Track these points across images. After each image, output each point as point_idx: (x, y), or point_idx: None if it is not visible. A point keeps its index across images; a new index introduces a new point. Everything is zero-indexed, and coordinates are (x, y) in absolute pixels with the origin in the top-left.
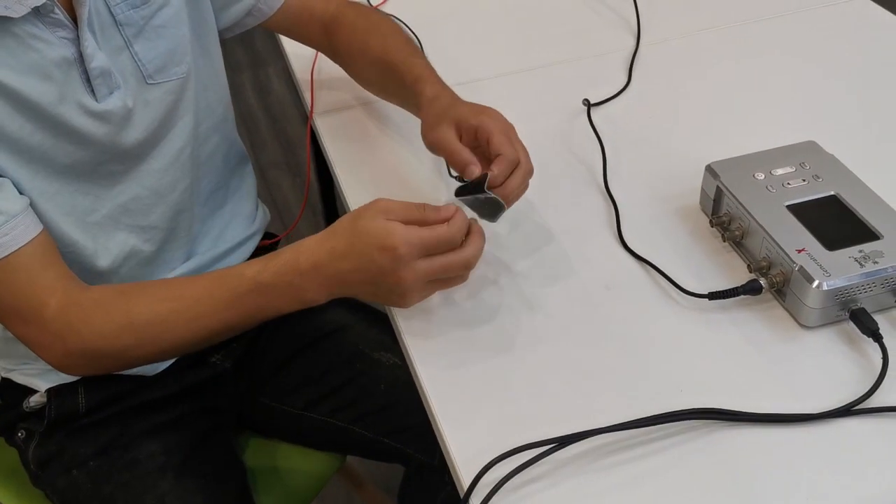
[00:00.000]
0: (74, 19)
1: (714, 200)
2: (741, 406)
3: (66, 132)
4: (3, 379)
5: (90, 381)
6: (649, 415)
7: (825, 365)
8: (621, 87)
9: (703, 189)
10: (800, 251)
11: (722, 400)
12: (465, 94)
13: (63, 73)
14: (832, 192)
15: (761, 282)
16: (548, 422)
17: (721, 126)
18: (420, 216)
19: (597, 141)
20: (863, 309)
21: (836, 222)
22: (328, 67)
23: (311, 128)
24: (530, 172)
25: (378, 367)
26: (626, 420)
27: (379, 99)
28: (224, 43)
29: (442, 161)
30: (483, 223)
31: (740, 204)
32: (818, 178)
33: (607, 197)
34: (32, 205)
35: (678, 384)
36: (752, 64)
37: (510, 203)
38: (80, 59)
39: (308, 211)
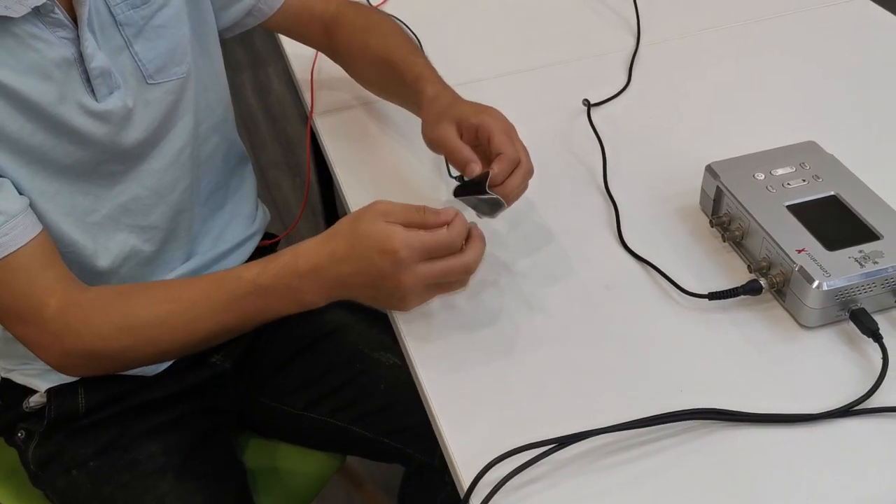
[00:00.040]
0: (74, 19)
1: (714, 200)
2: (741, 406)
3: (66, 132)
4: (3, 379)
5: (90, 381)
6: (649, 415)
7: (825, 365)
8: (621, 88)
9: (703, 189)
10: (800, 251)
11: (722, 400)
12: (465, 94)
13: (63, 73)
14: (832, 193)
15: (761, 282)
16: (548, 422)
17: (721, 126)
18: (420, 219)
19: (597, 141)
20: (863, 309)
21: (836, 222)
22: (328, 67)
23: (311, 128)
24: (530, 172)
25: (378, 367)
26: (626, 420)
27: (379, 99)
28: (224, 43)
29: (442, 161)
30: (482, 223)
31: (740, 204)
32: (818, 178)
33: (607, 197)
34: (32, 205)
35: (678, 384)
36: (752, 64)
37: (510, 203)
38: (80, 59)
39: (308, 211)
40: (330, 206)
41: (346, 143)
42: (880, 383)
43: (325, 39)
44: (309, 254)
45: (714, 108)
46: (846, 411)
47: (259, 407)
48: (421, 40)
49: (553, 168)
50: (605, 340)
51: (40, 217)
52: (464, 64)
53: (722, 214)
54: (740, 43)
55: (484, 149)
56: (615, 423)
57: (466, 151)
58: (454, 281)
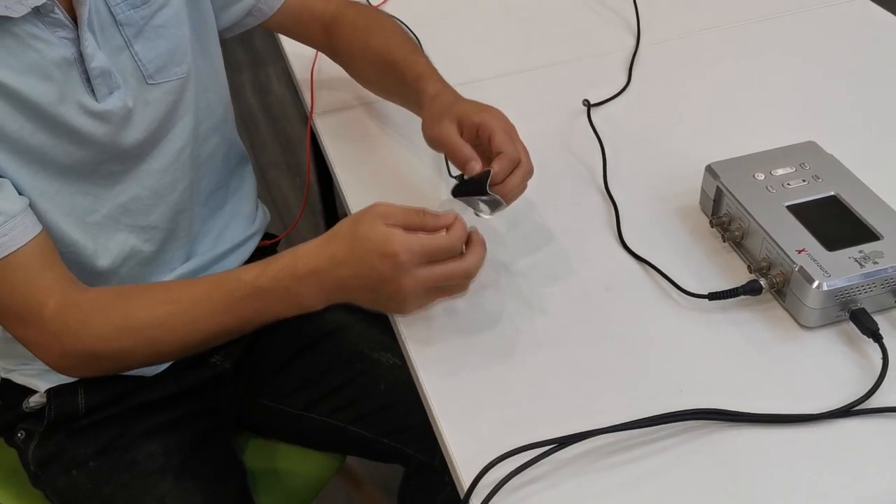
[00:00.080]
0: (74, 19)
1: (714, 201)
2: (741, 406)
3: (66, 132)
4: (3, 379)
5: (90, 381)
6: (649, 415)
7: (825, 365)
8: (621, 88)
9: (702, 189)
10: (800, 251)
11: (722, 400)
12: (465, 94)
13: (63, 73)
14: (832, 193)
15: (761, 282)
16: (548, 422)
17: (721, 126)
18: (420, 221)
19: (597, 141)
20: (863, 309)
21: (836, 223)
22: (328, 67)
23: (311, 128)
24: (530, 172)
25: (378, 367)
26: (626, 420)
27: (379, 99)
28: (224, 43)
29: (442, 161)
30: (482, 223)
31: (740, 204)
32: (818, 178)
33: (607, 197)
34: (32, 205)
35: (678, 384)
36: (752, 64)
37: (508, 203)
38: (81, 59)
39: (308, 211)
40: (330, 206)
41: (346, 143)
42: (880, 383)
43: (325, 39)
44: (308, 256)
45: (714, 109)
46: (846, 411)
47: (259, 407)
48: (421, 40)
49: (553, 168)
50: (605, 340)
51: (40, 217)
52: (464, 64)
53: (722, 215)
54: (740, 43)
55: (484, 148)
56: (615, 424)
57: (467, 149)
58: (454, 286)
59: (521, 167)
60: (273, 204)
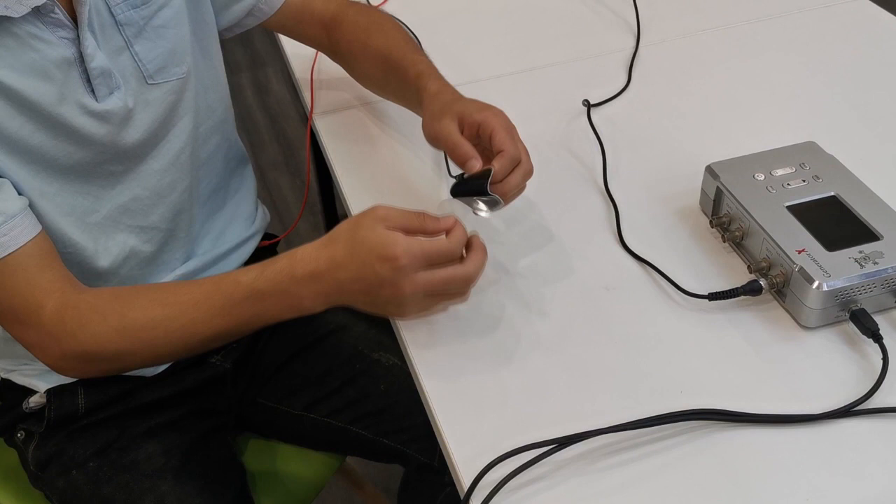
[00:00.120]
0: (75, 19)
1: (714, 201)
2: (741, 407)
3: (66, 132)
4: (3, 380)
5: (90, 382)
6: (649, 415)
7: (825, 366)
8: (621, 88)
9: (702, 190)
10: (800, 252)
11: (722, 400)
12: (466, 94)
13: (63, 73)
14: (832, 193)
15: (761, 282)
16: (548, 422)
17: (721, 126)
18: (420, 225)
19: (597, 141)
20: (863, 310)
21: (835, 223)
22: (328, 67)
23: (311, 128)
24: (530, 172)
25: (377, 367)
26: (626, 421)
27: (379, 99)
28: (224, 43)
29: (442, 161)
30: (482, 224)
31: (740, 204)
32: (818, 178)
33: (607, 197)
34: (32, 205)
35: (678, 385)
36: (751, 64)
37: (507, 202)
38: (81, 59)
39: (307, 211)
40: (330, 206)
41: (346, 143)
42: (880, 384)
43: (325, 39)
44: (307, 259)
45: (714, 109)
46: (846, 412)
47: (258, 407)
48: (421, 40)
49: (553, 168)
50: (604, 341)
51: (40, 217)
52: (464, 64)
53: (722, 215)
54: (740, 43)
55: (484, 147)
56: (615, 424)
57: (468, 147)
58: (454, 291)
59: (521, 166)
60: (273, 204)
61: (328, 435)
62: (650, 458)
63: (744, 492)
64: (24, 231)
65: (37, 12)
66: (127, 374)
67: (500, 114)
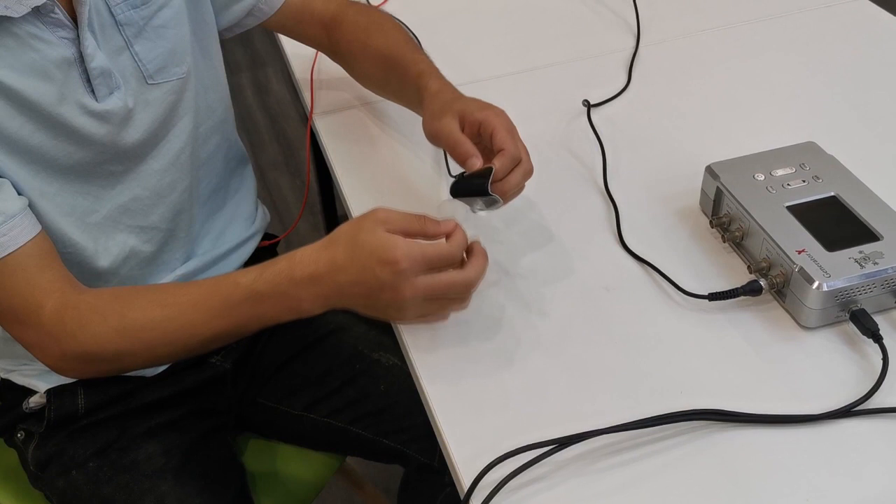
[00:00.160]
0: (75, 19)
1: (714, 201)
2: (741, 407)
3: (66, 132)
4: (3, 380)
5: (90, 382)
6: (649, 416)
7: (825, 366)
8: (621, 88)
9: (702, 190)
10: (800, 252)
11: (722, 401)
12: (466, 94)
13: (63, 73)
14: (832, 193)
15: (761, 282)
16: (548, 423)
17: (721, 127)
18: (420, 228)
19: (597, 142)
20: (863, 310)
21: (835, 223)
22: (328, 67)
23: (311, 128)
24: (530, 172)
25: (377, 367)
26: (626, 421)
27: (379, 99)
28: (224, 43)
29: (442, 161)
30: (481, 226)
31: (740, 205)
32: (818, 178)
33: (607, 197)
34: (32, 205)
35: (678, 385)
36: (751, 64)
37: (506, 201)
38: (81, 59)
39: (307, 211)
40: (329, 206)
41: (346, 143)
42: (880, 384)
43: (325, 39)
44: (306, 261)
45: (714, 109)
46: (846, 412)
47: (258, 408)
48: (421, 40)
49: (553, 168)
50: (605, 341)
51: (40, 217)
52: (464, 64)
53: (722, 215)
54: (740, 43)
55: (485, 145)
56: (615, 424)
57: (469, 145)
58: (454, 297)
59: (521, 166)
60: (273, 204)
61: (328, 435)
62: (650, 459)
63: (744, 492)
64: (23, 231)
65: (37, 12)
66: (127, 374)
67: (500, 113)
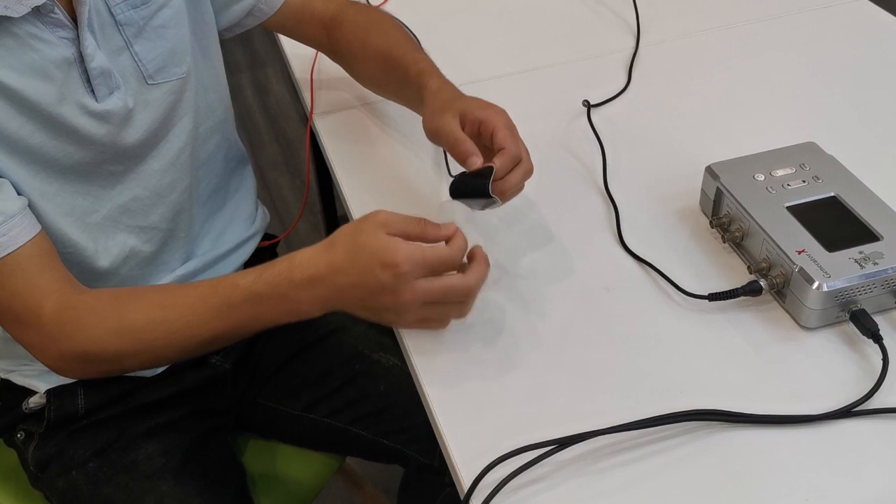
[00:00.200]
0: (74, 19)
1: (714, 201)
2: (741, 407)
3: (66, 132)
4: (3, 380)
5: (90, 382)
6: (650, 416)
7: (825, 366)
8: (621, 88)
9: (702, 190)
10: (800, 252)
11: (722, 401)
12: (466, 94)
13: (63, 73)
14: (832, 194)
15: (761, 283)
16: (548, 423)
17: (721, 127)
18: (420, 231)
19: (597, 142)
20: (863, 310)
21: (835, 223)
22: (328, 67)
23: (311, 128)
24: (530, 172)
25: (377, 367)
26: (626, 421)
27: (379, 99)
28: (224, 43)
29: (442, 161)
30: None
31: (740, 205)
32: (818, 179)
33: (607, 198)
34: (32, 205)
35: (678, 385)
36: (751, 65)
37: (505, 200)
38: (80, 59)
39: (307, 211)
40: (329, 206)
41: (346, 143)
42: (880, 384)
43: (325, 38)
44: (306, 263)
45: (714, 109)
46: (846, 412)
47: (258, 408)
48: (421, 40)
49: (553, 169)
50: (605, 341)
51: (40, 217)
52: (464, 64)
53: (722, 215)
54: (740, 43)
55: (485, 144)
56: (615, 424)
57: (469, 144)
58: (453, 303)
59: (521, 165)
60: (273, 204)
61: (328, 435)
62: (650, 459)
63: (744, 492)
64: (23, 231)
65: (37, 12)
66: (127, 374)
67: (501, 112)
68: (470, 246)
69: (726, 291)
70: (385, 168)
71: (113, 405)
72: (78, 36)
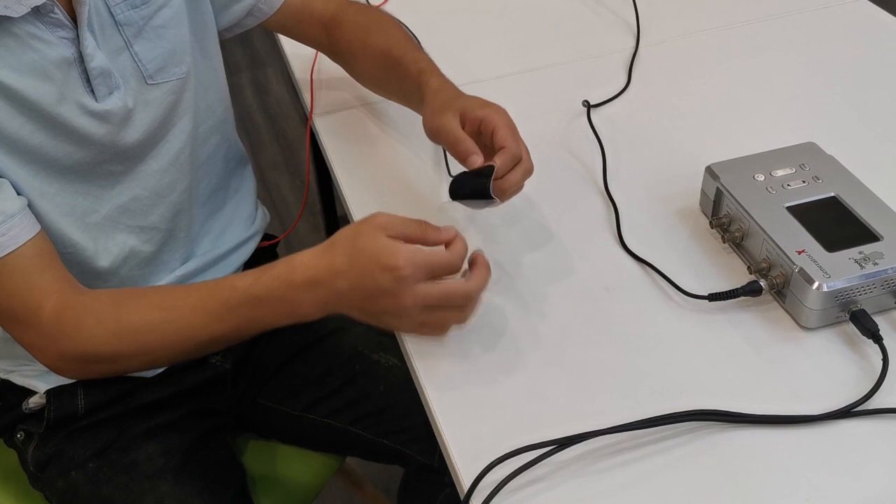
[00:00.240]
0: (74, 19)
1: (714, 202)
2: (741, 407)
3: (65, 132)
4: (3, 380)
5: (89, 382)
6: (649, 416)
7: (825, 366)
8: (621, 88)
9: (702, 190)
10: (800, 252)
11: (722, 401)
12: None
13: (63, 73)
14: (832, 194)
15: (761, 283)
16: (548, 423)
17: (721, 127)
18: (420, 233)
19: (596, 142)
20: (863, 310)
21: (835, 223)
22: (328, 67)
23: (311, 128)
24: (530, 171)
25: (377, 368)
26: (626, 421)
27: (379, 99)
28: (223, 43)
29: (442, 162)
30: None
31: (740, 205)
32: (818, 179)
33: (607, 198)
34: (32, 205)
35: (678, 385)
36: (751, 65)
37: (505, 199)
38: (80, 59)
39: (307, 212)
40: (329, 206)
41: (346, 143)
42: (880, 385)
43: (325, 38)
44: (305, 265)
45: (714, 109)
46: (846, 412)
47: (258, 408)
48: (421, 40)
49: (553, 169)
50: (605, 341)
51: (40, 217)
52: (463, 64)
53: (722, 215)
54: (740, 43)
55: (485, 144)
56: (615, 425)
57: (470, 143)
58: (453, 308)
59: (521, 164)
60: (273, 204)
61: (328, 435)
62: (650, 459)
63: (744, 492)
64: (22, 231)
65: (36, 12)
66: (126, 374)
67: (501, 111)
68: (471, 251)
69: (726, 292)
70: (385, 168)
71: (113, 405)
72: (78, 36)
